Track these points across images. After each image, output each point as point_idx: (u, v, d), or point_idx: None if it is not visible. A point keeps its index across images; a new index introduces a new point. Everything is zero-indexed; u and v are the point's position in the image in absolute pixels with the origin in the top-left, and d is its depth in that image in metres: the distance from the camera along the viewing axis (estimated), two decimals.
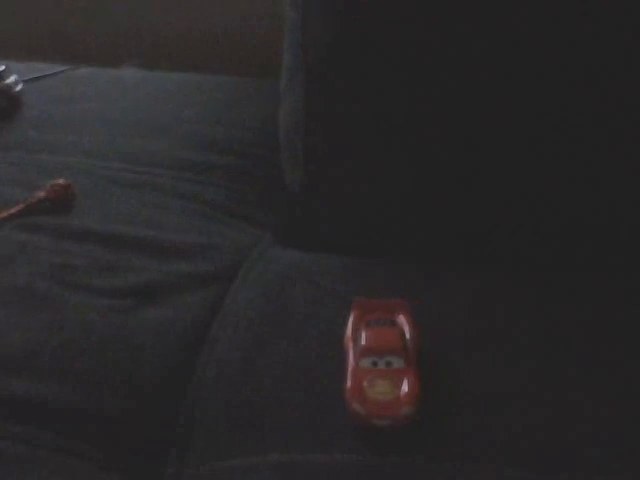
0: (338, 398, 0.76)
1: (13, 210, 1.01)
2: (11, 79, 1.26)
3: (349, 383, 0.76)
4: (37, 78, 1.32)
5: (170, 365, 0.85)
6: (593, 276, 0.92)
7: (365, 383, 0.75)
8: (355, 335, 0.81)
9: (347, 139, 1.02)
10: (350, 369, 0.77)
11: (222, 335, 0.89)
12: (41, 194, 1.03)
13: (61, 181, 1.05)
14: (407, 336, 0.80)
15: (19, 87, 1.26)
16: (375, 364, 0.77)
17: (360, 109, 1.01)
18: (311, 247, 1.03)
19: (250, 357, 0.85)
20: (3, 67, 1.26)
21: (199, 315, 0.91)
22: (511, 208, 0.98)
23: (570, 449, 0.73)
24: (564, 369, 0.81)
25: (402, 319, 0.82)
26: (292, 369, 0.83)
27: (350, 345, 0.80)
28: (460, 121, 0.98)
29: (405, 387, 0.75)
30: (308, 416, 0.78)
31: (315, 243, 1.03)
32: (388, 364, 0.77)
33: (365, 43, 1.00)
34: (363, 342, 0.78)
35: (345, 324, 0.83)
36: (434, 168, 1.00)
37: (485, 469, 0.72)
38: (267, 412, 0.79)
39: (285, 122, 1.09)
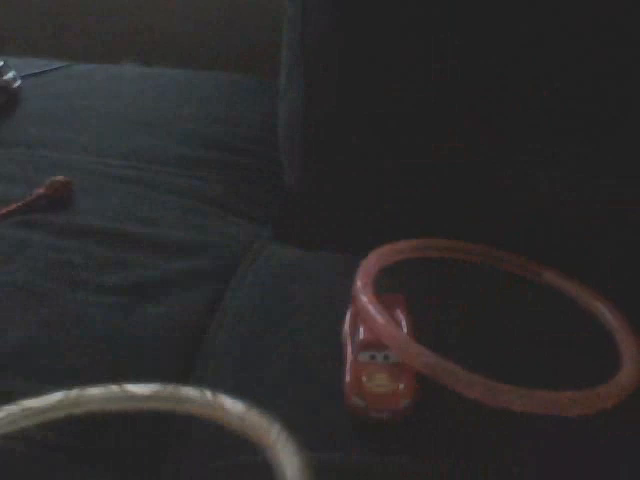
0: (338, 396, 0.76)
1: (12, 207, 1.01)
2: (10, 75, 1.26)
3: (348, 377, 0.76)
4: (36, 74, 1.32)
5: (169, 363, 0.85)
6: (593, 276, 0.92)
7: (364, 377, 0.76)
8: (353, 329, 0.81)
9: (347, 137, 1.02)
10: (349, 363, 0.78)
11: (221, 332, 0.89)
12: (40, 191, 1.03)
13: (60, 178, 1.05)
14: (405, 329, 0.80)
15: (18, 83, 1.26)
16: (373, 358, 0.77)
17: (360, 107, 1.01)
18: (310, 245, 1.03)
19: (249, 355, 0.85)
20: (1, 63, 1.26)
21: (198, 312, 0.91)
22: (511, 208, 0.98)
23: (570, 449, 0.73)
24: (563, 367, 0.81)
25: (399, 313, 0.82)
26: (291, 366, 0.83)
27: (348, 339, 0.81)
28: (462, 121, 0.98)
29: (403, 380, 0.75)
30: (308, 414, 0.78)
31: (314, 241, 1.03)
32: (386, 358, 0.77)
33: (366, 40, 1.00)
34: (361, 336, 0.79)
35: (343, 319, 0.83)
36: (435, 168, 1.00)
37: (485, 468, 0.72)
38: (266, 410, 0.79)
39: (284, 119, 1.09)
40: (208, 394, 0.71)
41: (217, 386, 0.82)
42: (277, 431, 0.68)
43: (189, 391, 0.72)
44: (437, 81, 0.98)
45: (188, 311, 0.91)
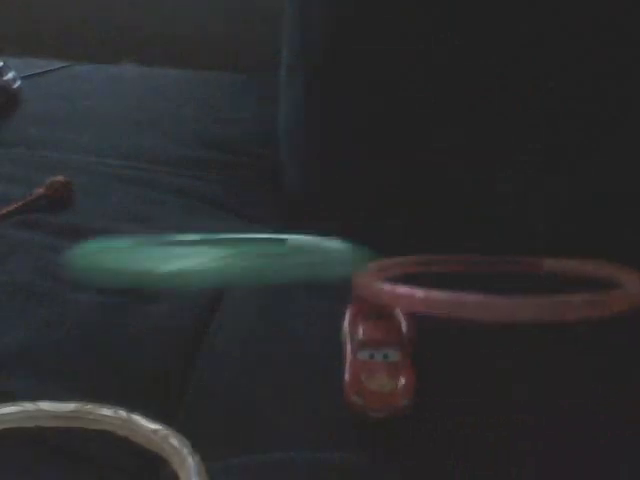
0: (338, 395, 0.76)
1: (12, 207, 1.01)
2: (9, 75, 1.26)
3: (347, 376, 0.76)
4: (36, 74, 1.32)
5: (169, 363, 0.85)
6: None
7: (363, 376, 0.76)
8: (352, 328, 0.81)
9: (347, 137, 1.02)
10: (348, 362, 0.78)
11: (221, 333, 0.89)
12: (40, 191, 1.03)
13: (60, 178, 1.04)
14: (404, 329, 0.80)
15: (18, 83, 1.26)
16: (372, 357, 0.77)
17: (360, 106, 1.01)
18: None
19: (249, 354, 0.85)
20: (1, 63, 1.26)
21: (198, 312, 0.91)
22: (511, 209, 0.98)
23: (570, 449, 0.73)
24: (565, 365, 0.81)
25: (399, 312, 0.82)
26: (292, 366, 0.83)
27: (347, 338, 0.81)
28: (462, 121, 0.98)
29: (402, 379, 0.75)
30: (308, 414, 0.77)
31: None
32: (385, 357, 0.77)
33: (366, 39, 1.00)
34: (360, 335, 0.79)
35: (343, 318, 0.83)
36: (435, 168, 1.00)
37: (485, 468, 0.72)
38: (267, 410, 0.79)
39: (284, 119, 1.09)
40: (122, 413, 0.72)
41: (217, 386, 0.82)
42: (188, 452, 0.68)
43: (103, 410, 0.72)
44: (437, 81, 0.98)
45: (188, 311, 0.90)
